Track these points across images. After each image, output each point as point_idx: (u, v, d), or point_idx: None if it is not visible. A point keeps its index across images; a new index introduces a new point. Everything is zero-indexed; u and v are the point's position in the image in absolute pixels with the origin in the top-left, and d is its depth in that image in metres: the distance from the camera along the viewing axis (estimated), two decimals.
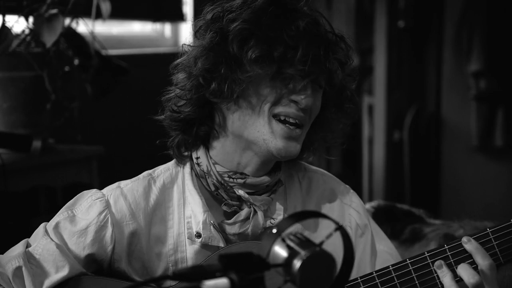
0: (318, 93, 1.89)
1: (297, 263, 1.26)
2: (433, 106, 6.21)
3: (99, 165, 3.51)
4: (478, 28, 5.80)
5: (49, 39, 3.12)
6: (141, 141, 4.18)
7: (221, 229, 1.90)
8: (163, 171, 1.98)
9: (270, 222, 1.93)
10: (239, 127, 1.86)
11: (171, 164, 2.00)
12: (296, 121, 1.85)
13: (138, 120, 4.17)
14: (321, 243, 1.31)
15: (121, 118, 4.10)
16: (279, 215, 1.95)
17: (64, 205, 1.95)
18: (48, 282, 1.85)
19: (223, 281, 1.21)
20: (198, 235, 1.89)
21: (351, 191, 2.10)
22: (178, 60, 1.92)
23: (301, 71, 1.81)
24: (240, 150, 1.89)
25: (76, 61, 3.38)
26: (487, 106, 5.91)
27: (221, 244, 1.89)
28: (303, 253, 1.27)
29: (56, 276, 1.85)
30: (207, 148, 1.93)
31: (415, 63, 6.19)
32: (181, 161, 1.98)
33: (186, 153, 1.96)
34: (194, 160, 1.94)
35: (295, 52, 1.81)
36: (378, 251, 2.06)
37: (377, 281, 1.84)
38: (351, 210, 2.05)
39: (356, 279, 1.84)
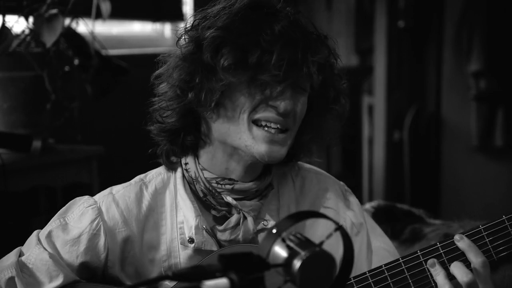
0: (302, 96, 1.85)
1: (297, 263, 1.26)
2: (433, 106, 6.21)
3: (99, 165, 3.51)
4: (478, 28, 5.80)
5: (49, 39, 3.13)
6: (141, 141, 4.17)
7: (213, 233, 1.90)
8: (155, 176, 1.97)
9: (263, 224, 1.93)
10: (222, 135, 1.84)
11: (162, 168, 1.99)
12: (278, 125, 1.82)
13: (138, 120, 4.17)
14: (321, 243, 1.31)
15: (121, 118, 4.09)
16: (272, 216, 1.94)
17: (64, 205, 1.95)
18: None
19: (223, 281, 1.21)
20: (191, 240, 1.88)
21: (346, 189, 2.09)
22: (158, 71, 1.91)
23: (276, 76, 1.77)
24: (226, 156, 1.88)
25: (76, 61, 3.38)
26: (487, 106, 5.91)
27: (214, 248, 1.89)
28: (303, 253, 1.27)
29: (50, 285, 1.85)
30: (196, 155, 1.93)
31: (415, 63, 6.19)
32: (171, 168, 1.97)
33: (175, 160, 1.96)
34: (183, 166, 1.93)
35: (270, 57, 1.76)
36: (375, 248, 2.05)
37: (370, 280, 1.84)
38: (346, 209, 2.04)
39: (350, 279, 1.84)
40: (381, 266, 1.85)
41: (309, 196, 2.02)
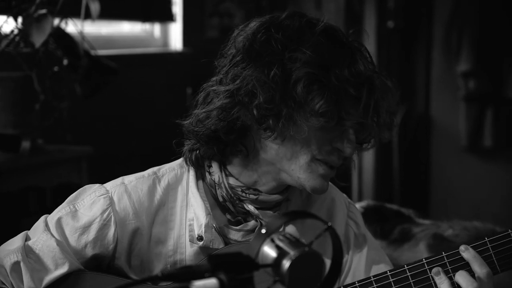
0: None
1: (286, 263, 1.27)
2: (422, 106, 6.22)
3: (89, 165, 3.50)
4: (467, 29, 5.82)
5: (38, 39, 3.12)
6: (130, 141, 4.17)
7: (222, 233, 1.89)
8: (168, 171, 1.95)
9: None
10: (275, 158, 1.83)
11: (176, 164, 1.96)
12: (334, 165, 1.84)
13: (127, 120, 4.17)
14: (311, 243, 1.31)
15: (110, 118, 4.09)
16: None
17: (54, 205, 1.93)
18: (48, 278, 1.84)
19: (212, 281, 1.21)
20: (200, 238, 1.87)
21: (350, 201, 2.09)
22: (231, 86, 1.80)
23: (360, 124, 1.79)
24: (264, 173, 1.87)
25: (65, 61, 3.37)
26: (476, 106, 5.92)
27: (221, 247, 1.88)
28: (292, 253, 1.27)
29: (56, 273, 1.84)
30: (223, 161, 1.89)
31: (405, 64, 6.20)
32: (192, 166, 1.93)
33: (200, 162, 1.92)
34: (206, 168, 1.91)
35: (357, 103, 1.76)
36: (373, 261, 2.05)
37: (375, 285, 1.84)
38: (349, 220, 2.04)
39: (354, 283, 1.85)
40: (386, 272, 1.85)
41: (315, 204, 2.02)
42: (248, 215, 1.89)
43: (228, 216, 1.91)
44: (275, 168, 1.84)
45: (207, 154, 1.89)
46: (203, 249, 1.89)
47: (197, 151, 1.90)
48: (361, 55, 1.82)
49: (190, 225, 1.89)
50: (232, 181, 1.88)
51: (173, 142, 1.92)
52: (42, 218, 1.91)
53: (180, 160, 1.96)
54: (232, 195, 1.87)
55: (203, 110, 1.85)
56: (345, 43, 1.83)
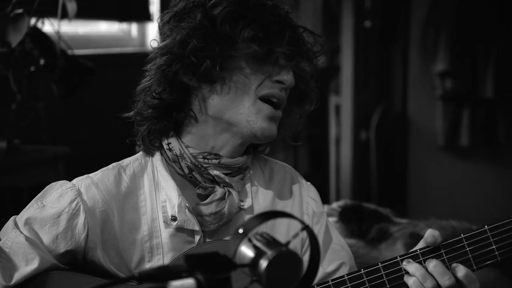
0: None
1: (263, 263, 1.27)
2: (399, 106, 6.24)
3: (66, 165, 3.49)
4: (444, 29, 5.85)
5: (15, 39, 3.10)
6: (107, 141, 4.16)
7: (195, 212, 1.92)
8: (132, 161, 1.99)
9: (240, 204, 1.96)
10: (220, 110, 1.90)
11: (139, 155, 2.01)
12: (278, 101, 1.92)
13: (104, 120, 4.16)
14: (288, 243, 1.31)
15: (87, 118, 4.08)
16: (248, 197, 1.99)
17: None
18: (18, 274, 1.84)
19: (189, 281, 1.21)
20: (174, 218, 1.91)
21: (308, 182, 2.14)
22: (161, 45, 1.93)
23: (290, 51, 1.89)
24: (216, 134, 1.93)
25: (42, 61, 3.35)
26: (453, 106, 5.96)
27: (196, 228, 1.91)
28: (269, 253, 1.28)
29: (26, 268, 1.84)
30: (178, 135, 1.96)
31: (382, 63, 6.22)
32: (149, 152, 1.99)
33: (156, 144, 1.98)
34: (165, 146, 1.96)
35: (282, 35, 1.89)
36: (330, 241, 2.07)
37: (348, 284, 1.84)
38: (308, 198, 2.08)
39: (328, 281, 1.85)
40: (360, 270, 1.85)
41: (276, 183, 2.06)
42: (216, 185, 1.94)
43: (199, 191, 1.94)
44: (224, 123, 1.91)
45: (162, 131, 1.96)
46: (178, 229, 1.92)
47: (152, 134, 1.96)
48: (282, 7, 1.96)
49: (163, 207, 1.93)
50: (191, 150, 1.93)
51: (126, 141, 2.01)
52: (12, 218, 1.92)
53: (143, 151, 2.01)
54: (196, 163, 1.92)
55: (144, 80, 1.95)
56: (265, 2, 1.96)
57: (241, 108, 1.89)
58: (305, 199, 2.08)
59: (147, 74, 1.96)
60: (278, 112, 1.92)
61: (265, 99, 1.90)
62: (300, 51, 1.94)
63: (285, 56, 1.90)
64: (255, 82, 1.89)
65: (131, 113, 1.99)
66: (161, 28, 1.96)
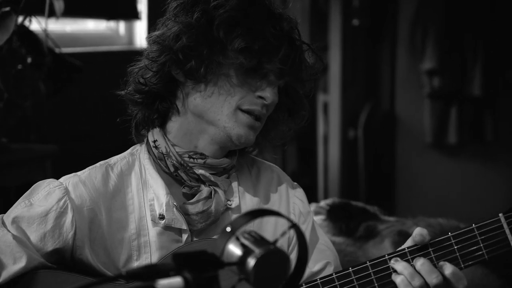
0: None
1: (251, 261, 1.27)
2: (387, 104, 6.25)
3: (53, 164, 3.48)
4: (432, 27, 5.86)
5: (2, 37, 3.09)
6: (95, 139, 4.15)
7: (183, 211, 1.92)
8: (120, 159, 2.00)
9: (228, 203, 1.97)
10: (201, 110, 1.91)
11: (126, 153, 2.02)
12: (258, 115, 1.91)
13: (92, 118, 4.15)
14: (275, 241, 1.31)
15: (75, 117, 4.06)
16: (235, 196, 1.99)
17: None
18: (5, 273, 1.84)
19: (177, 280, 1.21)
20: (162, 216, 1.91)
21: (295, 182, 2.14)
22: (157, 32, 1.94)
23: (280, 70, 1.89)
24: (198, 133, 1.93)
25: (29, 60, 3.34)
26: (441, 104, 5.97)
27: (184, 226, 1.91)
28: (257, 251, 1.27)
29: (13, 267, 1.84)
30: (164, 132, 1.96)
31: (370, 61, 6.22)
32: (139, 140, 2.01)
33: (143, 132, 2.00)
34: (151, 144, 1.96)
35: (277, 51, 1.88)
36: (316, 241, 2.07)
37: (337, 283, 1.84)
38: (295, 198, 2.09)
39: (316, 280, 1.85)
40: (348, 268, 1.85)
41: (263, 182, 2.07)
42: (201, 184, 1.95)
43: (185, 190, 1.95)
44: (204, 122, 1.92)
45: (146, 120, 1.97)
46: (166, 228, 1.92)
47: (139, 122, 1.99)
48: (287, 20, 1.94)
49: (151, 205, 1.94)
50: (177, 149, 1.94)
51: (117, 120, 2.02)
52: None
53: (130, 149, 2.03)
54: (182, 162, 1.92)
55: (136, 67, 1.97)
56: (274, 11, 1.95)
57: (219, 113, 1.90)
58: (291, 199, 2.08)
59: (142, 57, 1.97)
60: (257, 123, 1.93)
61: (245, 111, 1.90)
62: (292, 71, 1.93)
63: (274, 73, 1.90)
64: (238, 94, 1.89)
65: (122, 92, 1.99)
66: (167, 12, 1.97)
